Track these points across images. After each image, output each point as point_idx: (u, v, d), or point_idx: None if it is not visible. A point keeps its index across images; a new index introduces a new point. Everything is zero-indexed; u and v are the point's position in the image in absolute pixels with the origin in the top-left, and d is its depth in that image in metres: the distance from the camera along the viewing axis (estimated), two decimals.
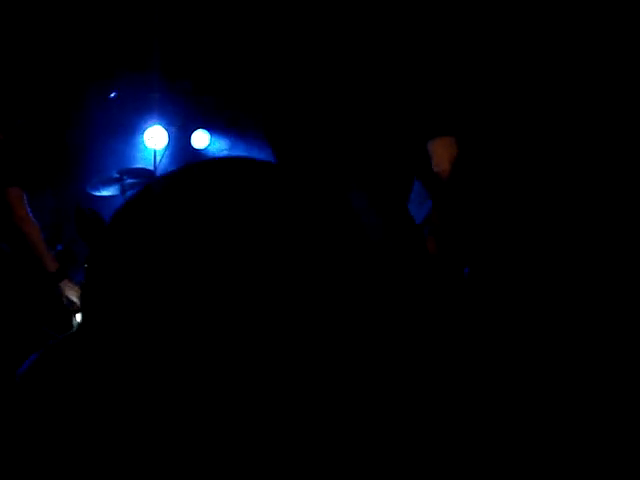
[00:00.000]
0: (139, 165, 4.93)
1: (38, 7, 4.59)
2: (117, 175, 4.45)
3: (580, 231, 3.22)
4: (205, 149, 5.43)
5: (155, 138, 4.83)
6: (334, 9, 4.61)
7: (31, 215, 3.02)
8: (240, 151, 5.52)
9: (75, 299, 2.98)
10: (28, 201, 3.17)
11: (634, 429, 2.50)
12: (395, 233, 3.45)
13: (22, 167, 3.21)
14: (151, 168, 4.64)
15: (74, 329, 2.96)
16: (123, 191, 4.48)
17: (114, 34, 4.92)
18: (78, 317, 2.99)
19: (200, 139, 5.37)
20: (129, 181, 4.51)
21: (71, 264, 3.47)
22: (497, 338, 2.96)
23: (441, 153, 3.30)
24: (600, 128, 3.49)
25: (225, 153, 5.49)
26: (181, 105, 5.22)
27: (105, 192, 4.47)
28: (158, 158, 4.67)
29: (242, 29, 4.99)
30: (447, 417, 2.62)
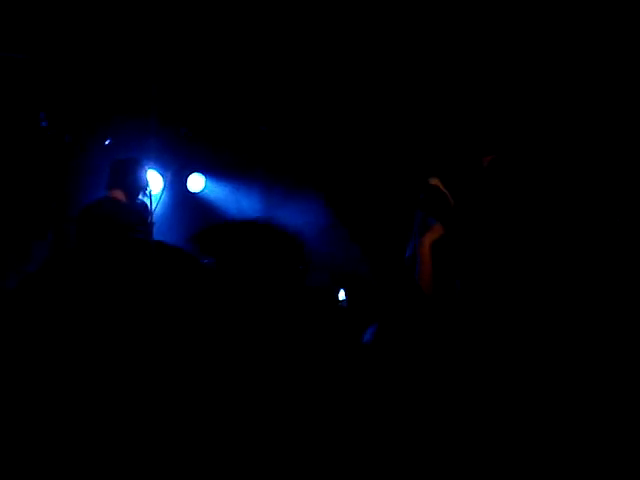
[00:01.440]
0: None
1: (35, 52, 4.68)
2: None
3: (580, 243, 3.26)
4: (200, 192, 5.47)
5: (151, 183, 4.86)
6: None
7: None
8: (236, 195, 5.57)
9: None
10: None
11: (634, 429, 2.48)
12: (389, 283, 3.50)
13: None
14: (143, 207, 4.67)
15: None
16: None
17: (111, 81, 5.00)
18: None
19: (196, 183, 5.41)
20: None
21: None
22: (496, 345, 2.97)
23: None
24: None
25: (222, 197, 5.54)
26: (176, 149, 5.28)
27: None
28: (154, 203, 4.70)
29: (238, 75, 5.07)
30: (447, 417, 2.60)
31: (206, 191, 5.46)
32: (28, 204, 4.73)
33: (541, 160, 3.64)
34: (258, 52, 4.88)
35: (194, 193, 5.43)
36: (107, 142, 4.80)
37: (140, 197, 4.05)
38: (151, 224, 4.59)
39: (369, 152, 5.13)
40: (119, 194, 3.95)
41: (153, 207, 4.65)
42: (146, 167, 4.11)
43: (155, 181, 4.86)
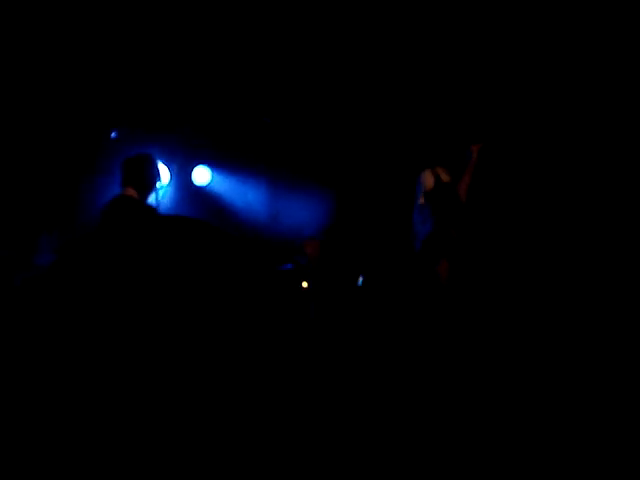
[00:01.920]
0: None
1: (40, 48, 4.66)
2: None
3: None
4: (206, 185, 5.45)
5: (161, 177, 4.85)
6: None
7: None
8: (242, 187, 5.55)
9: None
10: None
11: (634, 429, 2.46)
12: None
13: None
14: (154, 204, 4.64)
15: None
16: None
17: (115, 74, 4.98)
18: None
19: (201, 175, 5.39)
20: None
21: None
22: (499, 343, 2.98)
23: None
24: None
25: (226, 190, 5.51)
26: (181, 141, 5.26)
27: None
28: (160, 195, 4.68)
29: (242, 65, 5.06)
30: (446, 417, 2.60)
31: (212, 184, 5.43)
32: (34, 197, 4.71)
33: (528, 147, 3.65)
34: (262, 43, 4.87)
35: (200, 186, 5.41)
36: (112, 135, 4.78)
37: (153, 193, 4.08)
38: None
39: (371, 142, 5.12)
40: (131, 191, 3.97)
41: (158, 199, 4.64)
42: (157, 162, 4.13)
43: (161, 173, 4.84)
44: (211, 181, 5.44)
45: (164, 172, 4.89)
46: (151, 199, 4.15)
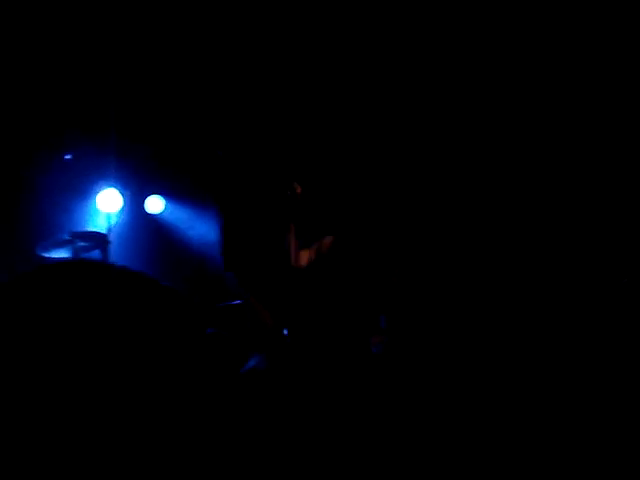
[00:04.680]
0: (92, 229, 4.87)
1: None
2: (69, 238, 4.38)
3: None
4: (159, 214, 5.41)
5: (109, 201, 4.79)
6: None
7: None
8: (195, 218, 5.52)
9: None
10: None
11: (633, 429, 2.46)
12: None
13: None
14: (104, 232, 4.58)
15: None
16: (75, 254, 4.40)
17: (70, 95, 4.92)
18: None
19: (155, 204, 5.35)
20: (81, 244, 4.44)
21: None
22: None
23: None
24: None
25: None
26: (137, 169, 5.21)
27: (55, 254, 4.39)
28: (112, 222, 4.63)
29: (199, 96, 5.05)
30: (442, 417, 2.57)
31: (165, 213, 5.40)
32: None
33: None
34: (216, 74, 4.88)
35: (153, 215, 5.36)
36: (67, 157, 4.71)
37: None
38: (107, 243, 4.51)
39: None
40: None
41: (111, 226, 4.58)
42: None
43: (114, 200, 4.79)
44: (164, 210, 5.40)
45: (117, 199, 4.84)
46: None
